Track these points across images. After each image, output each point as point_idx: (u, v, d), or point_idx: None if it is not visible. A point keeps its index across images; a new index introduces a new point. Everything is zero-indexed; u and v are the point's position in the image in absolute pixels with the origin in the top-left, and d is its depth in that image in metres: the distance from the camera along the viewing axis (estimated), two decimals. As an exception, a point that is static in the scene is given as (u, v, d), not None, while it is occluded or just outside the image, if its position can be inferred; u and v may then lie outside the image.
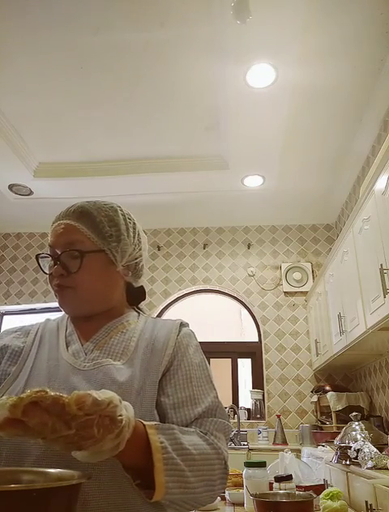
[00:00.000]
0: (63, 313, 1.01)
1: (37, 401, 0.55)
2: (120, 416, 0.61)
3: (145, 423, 0.72)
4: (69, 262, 0.92)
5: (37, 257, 0.99)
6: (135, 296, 1.06)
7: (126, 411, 0.64)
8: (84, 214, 0.95)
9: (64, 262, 0.92)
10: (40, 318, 1.06)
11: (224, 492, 1.75)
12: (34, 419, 0.55)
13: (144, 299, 1.08)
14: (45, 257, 0.97)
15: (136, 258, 1.01)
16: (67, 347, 0.92)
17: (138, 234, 1.02)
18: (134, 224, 1.02)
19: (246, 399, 4.46)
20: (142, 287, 1.07)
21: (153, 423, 0.74)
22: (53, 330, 0.98)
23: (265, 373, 4.36)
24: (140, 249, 1.02)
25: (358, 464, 1.97)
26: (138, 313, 1.04)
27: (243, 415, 4.26)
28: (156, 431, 0.72)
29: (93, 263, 0.93)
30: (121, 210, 1.01)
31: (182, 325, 0.98)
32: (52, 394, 0.56)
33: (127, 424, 0.63)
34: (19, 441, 0.76)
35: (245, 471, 1.56)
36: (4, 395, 0.78)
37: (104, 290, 0.96)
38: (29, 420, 0.55)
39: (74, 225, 0.94)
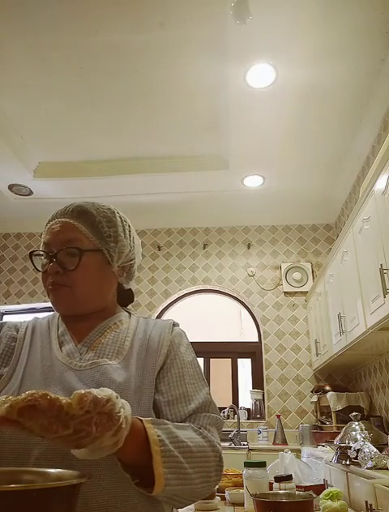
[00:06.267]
0: (53, 312, 1.00)
1: (34, 404, 0.55)
2: (118, 413, 0.62)
3: (142, 418, 0.73)
4: (66, 259, 0.91)
5: (31, 254, 0.97)
6: (124, 298, 1.06)
7: (124, 408, 0.64)
8: (83, 213, 0.95)
9: (61, 259, 0.91)
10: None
11: (225, 492, 1.75)
12: (30, 421, 0.56)
13: (132, 301, 1.09)
14: (39, 254, 0.95)
15: (131, 260, 1.02)
16: (60, 347, 0.91)
17: (133, 237, 1.03)
18: (130, 226, 1.03)
19: (246, 399, 4.46)
20: (130, 289, 1.08)
21: (149, 418, 0.75)
22: (43, 329, 0.97)
23: (265, 373, 4.36)
24: (135, 252, 1.03)
25: (358, 464, 1.97)
26: (129, 313, 1.04)
27: (243, 415, 4.25)
28: (153, 425, 0.73)
29: (91, 262, 0.93)
30: (118, 212, 1.02)
31: (174, 325, 1.00)
32: (50, 396, 0.56)
33: (125, 421, 0.63)
34: (21, 441, 0.76)
35: (245, 471, 1.56)
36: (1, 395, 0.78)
37: (99, 290, 0.96)
38: (25, 421, 0.56)
39: (73, 223, 0.94)
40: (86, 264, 0.92)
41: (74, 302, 0.92)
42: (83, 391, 0.59)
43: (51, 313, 1.03)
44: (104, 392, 0.61)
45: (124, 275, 1.01)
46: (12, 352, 0.91)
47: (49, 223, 0.97)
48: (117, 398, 0.63)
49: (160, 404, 0.86)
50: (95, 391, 0.60)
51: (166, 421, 0.78)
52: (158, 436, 0.72)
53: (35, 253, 0.96)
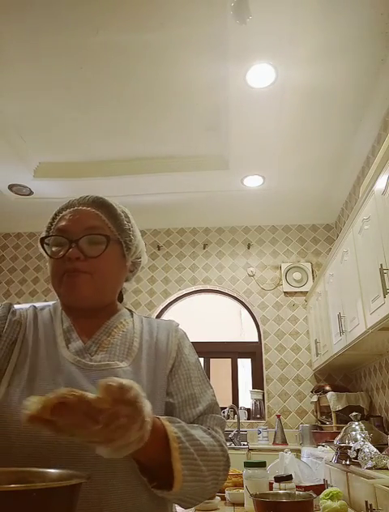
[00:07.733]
0: (53, 303, 0.97)
1: (64, 401, 0.56)
2: (140, 403, 0.62)
3: (159, 416, 0.74)
4: (87, 247, 0.88)
5: (42, 240, 0.92)
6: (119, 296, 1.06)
7: (144, 402, 0.64)
8: (104, 204, 0.96)
9: (81, 246, 0.88)
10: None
11: (225, 492, 1.75)
12: (62, 419, 0.56)
13: (122, 299, 1.07)
14: (58, 240, 0.90)
15: (140, 257, 1.02)
16: (67, 344, 0.88)
17: (140, 237, 1.03)
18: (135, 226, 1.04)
19: (246, 399, 4.46)
20: (123, 287, 1.06)
21: (165, 417, 0.76)
22: (47, 321, 0.92)
23: (265, 373, 4.36)
24: (141, 250, 1.03)
25: (358, 464, 1.97)
26: (131, 311, 1.03)
27: (243, 415, 4.25)
28: (170, 423, 0.74)
29: (112, 252, 0.92)
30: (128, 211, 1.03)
31: (177, 326, 1.00)
32: (78, 393, 0.58)
33: (148, 414, 0.63)
34: (38, 443, 0.74)
35: (245, 471, 1.56)
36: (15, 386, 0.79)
37: (116, 281, 0.95)
38: (58, 419, 0.56)
39: (96, 212, 0.94)
40: (109, 253, 0.90)
41: (91, 291, 0.88)
42: (106, 379, 0.59)
43: (50, 303, 0.98)
44: (125, 380, 0.61)
45: (133, 271, 1.01)
46: (15, 340, 0.86)
47: (62, 211, 0.96)
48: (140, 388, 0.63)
49: (170, 407, 0.86)
50: (118, 379, 0.60)
51: (179, 420, 0.79)
52: (175, 433, 0.73)
53: (48, 237, 0.92)
